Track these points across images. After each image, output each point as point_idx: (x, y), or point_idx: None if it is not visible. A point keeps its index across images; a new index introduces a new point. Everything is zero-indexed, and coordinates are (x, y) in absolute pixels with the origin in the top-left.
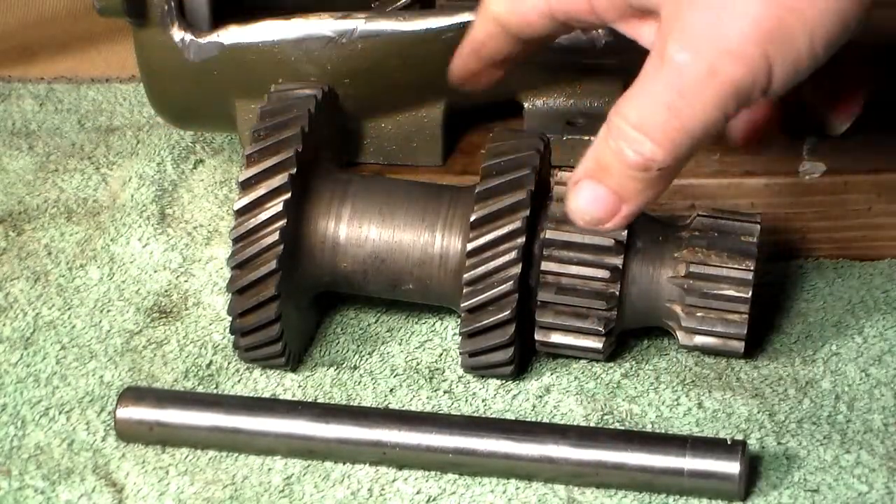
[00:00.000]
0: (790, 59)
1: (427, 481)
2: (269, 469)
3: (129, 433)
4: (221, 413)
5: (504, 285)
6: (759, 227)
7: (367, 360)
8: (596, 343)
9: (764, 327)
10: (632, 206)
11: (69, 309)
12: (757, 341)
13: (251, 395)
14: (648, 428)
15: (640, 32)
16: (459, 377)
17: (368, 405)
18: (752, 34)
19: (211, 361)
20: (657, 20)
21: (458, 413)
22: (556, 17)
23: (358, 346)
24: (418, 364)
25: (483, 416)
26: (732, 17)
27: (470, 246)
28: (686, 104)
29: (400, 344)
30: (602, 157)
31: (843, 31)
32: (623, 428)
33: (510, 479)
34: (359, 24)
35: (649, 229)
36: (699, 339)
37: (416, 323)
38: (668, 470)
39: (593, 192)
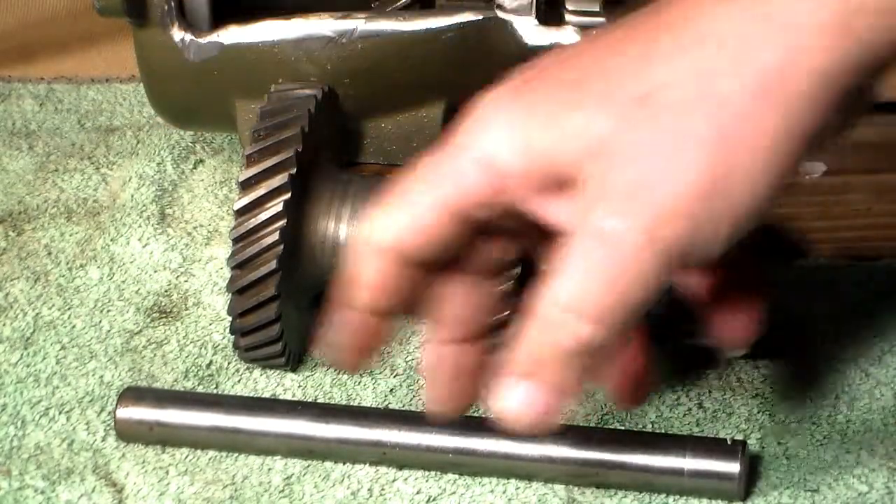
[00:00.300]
0: (733, 214)
1: (427, 481)
2: (269, 469)
3: (129, 433)
4: (221, 413)
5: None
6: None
7: None
8: None
9: (764, 327)
10: (571, 395)
11: (69, 309)
12: (757, 341)
13: (251, 395)
14: (648, 428)
15: (554, 210)
16: None
17: (368, 405)
18: (691, 190)
19: (211, 361)
20: (574, 191)
21: None
22: (456, 209)
23: None
24: (418, 364)
25: (483, 416)
26: (672, 173)
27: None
28: (622, 276)
29: (400, 344)
30: (533, 352)
31: (779, 186)
32: (623, 428)
33: (510, 479)
34: (359, 24)
35: None
36: (699, 340)
37: (416, 323)
38: (668, 470)
39: (528, 394)
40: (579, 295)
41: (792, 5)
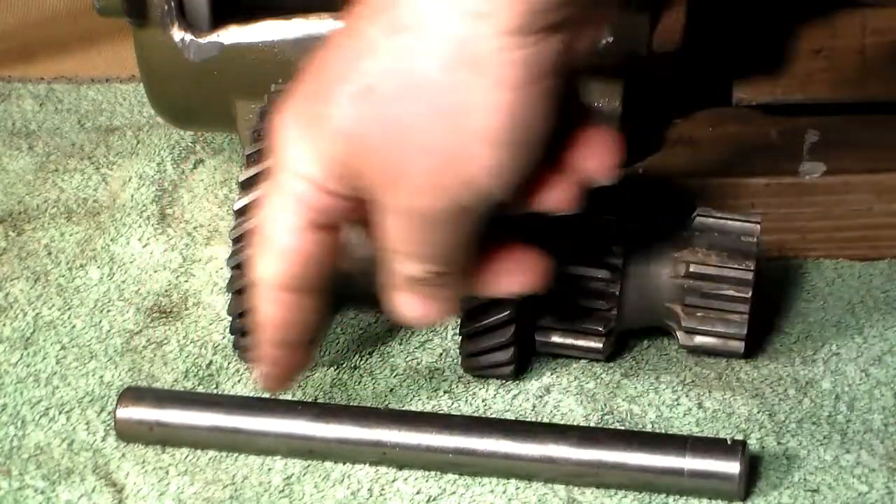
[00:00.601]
0: (486, 172)
1: (427, 481)
2: (269, 469)
3: (129, 433)
4: (221, 413)
5: None
6: (759, 227)
7: (367, 360)
8: (596, 343)
9: (764, 327)
10: (448, 302)
11: (69, 309)
12: (757, 341)
13: (251, 395)
14: (648, 428)
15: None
16: (459, 377)
17: (368, 405)
18: (436, 164)
19: (211, 361)
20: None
21: (458, 413)
22: (315, 224)
23: (358, 346)
24: (418, 364)
25: (483, 416)
26: (412, 154)
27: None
28: (424, 234)
29: (400, 344)
30: (394, 275)
31: (525, 123)
32: (623, 428)
33: (510, 479)
34: None
35: (650, 229)
36: (699, 339)
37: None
38: (668, 470)
39: (401, 299)
40: (399, 245)
41: None
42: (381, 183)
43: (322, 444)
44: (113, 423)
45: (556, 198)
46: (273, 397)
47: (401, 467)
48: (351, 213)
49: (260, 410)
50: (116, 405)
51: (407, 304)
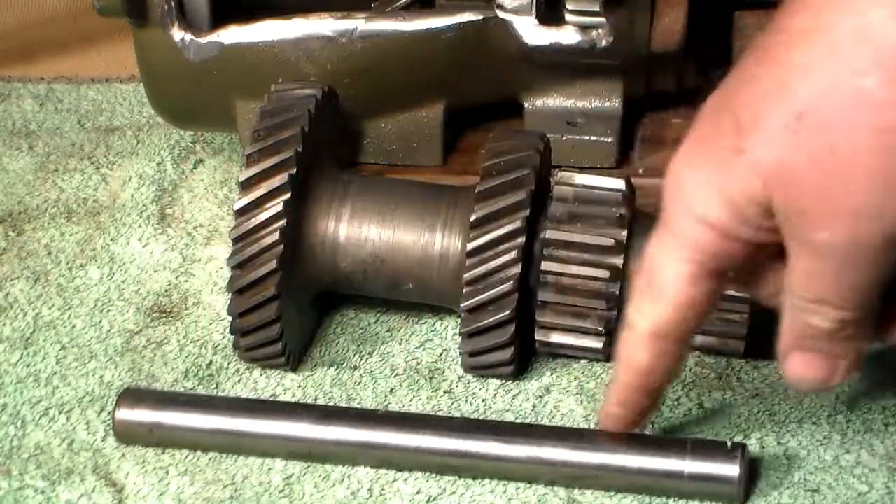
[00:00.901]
0: None
1: (427, 481)
2: (269, 469)
3: (127, 435)
4: (220, 415)
5: (504, 285)
6: None
7: (367, 360)
8: (596, 343)
9: (764, 327)
10: (849, 358)
11: (69, 309)
12: (757, 341)
13: (251, 395)
14: (649, 428)
15: (773, 231)
16: (459, 377)
17: (368, 405)
18: (870, 195)
19: (211, 361)
20: (778, 216)
21: (459, 413)
22: (704, 272)
23: (358, 346)
24: (418, 364)
25: (483, 416)
26: (853, 179)
27: (470, 246)
28: (852, 273)
29: (400, 344)
30: (798, 330)
31: None
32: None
33: (510, 481)
34: (359, 24)
35: (649, 229)
36: (699, 339)
37: (416, 323)
38: (669, 473)
39: (805, 360)
40: (820, 291)
41: None
42: (807, 217)
43: (321, 446)
44: (112, 426)
45: None
46: (273, 397)
47: (400, 469)
48: (746, 260)
49: (259, 412)
50: (115, 407)
51: (809, 364)
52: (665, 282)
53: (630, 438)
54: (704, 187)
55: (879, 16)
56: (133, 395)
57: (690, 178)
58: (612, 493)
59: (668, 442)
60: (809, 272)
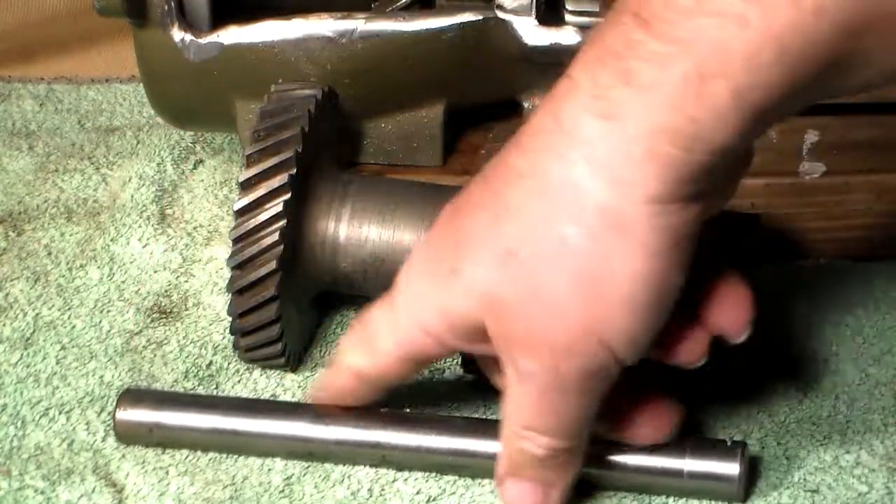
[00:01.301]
0: (623, 339)
1: (427, 481)
2: (270, 469)
3: (128, 435)
4: (221, 415)
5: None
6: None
7: None
8: None
9: (764, 327)
10: (560, 486)
11: (69, 309)
12: (756, 341)
13: (251, 395)
14: None
15: (487, 348)
16: (459, 377)
17: (368, 406)
18: (575, 333)
19: (211, 362)
20: (489, 337)
21: (459, 413)
22: (411, 359)
23: None
24: None
25: (482, 416)
26: (553, 317)
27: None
28: (556, 401)
29: None
30: (512, 457)
31: (661, 293)
32: None
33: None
34: (359, 24)
35: None
36: None
37: None
38: (668, 471)
39: (518, 488)
40: (529, 419)
41: (605, 145)
42: (514, 345)
43: (321, 446)
44: (112, 426)
45: (687, 350)
46: (273, 397)
47: (400, 469)
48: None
49: (259, 412)
50: (115, 407)
51: (522, 493)
52: (377, 347)
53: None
54: (425, 296)
55: (584, 172)
56: (133, 396)
57: (417, 282)
58: (612, 492)
59: (668, 440)
60: (518, 398)
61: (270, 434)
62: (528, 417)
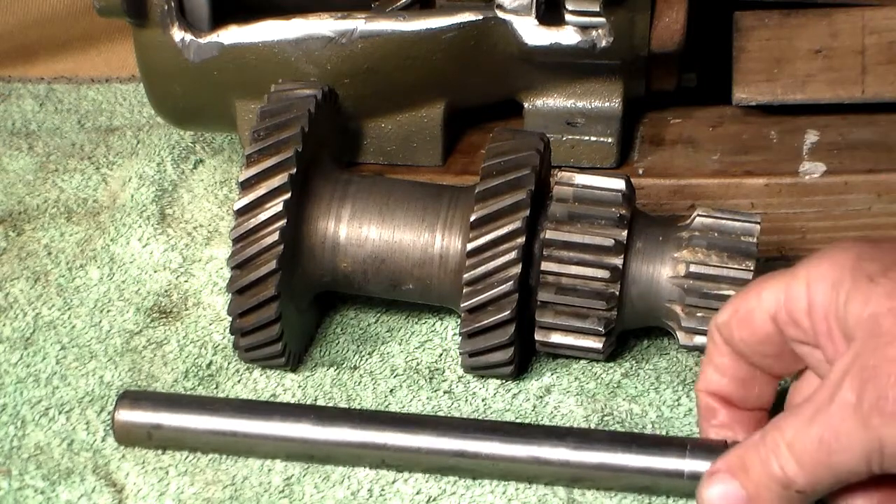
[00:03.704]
0: None
1: (427, 482)
2: (269, 470)
3: (127, 437)
4: (220, 417)
5: (504, 285)
6: (759, 227)
7: (367, 360)
8: (596, 343)
9: None
10: None
11: (69, 309)
12: None
13: (251, 395)
14: (649, 428)
15: (816, 355)
16: (459, 377)
17: (368, 405)
18: None
19: (211, 362)
20: (842, 349)
21: (459, 413)
22: (778, 321)
23: (358, 346)
24: (418, 364)
25: (483, 416)
26: None
27: (470, 246)
28: (839, 447)
29: (400, 344)
30: (747, 459)
31: None
32: (623, 429)
33: (510, 481)
34: (359, 24)
35: (649, 229)
36: (699, 339)
37: (416, 323)
38: (668, 472)
39: (726, 488)
40: (801, 441)
41: None
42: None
43: (322, 447)
44: (111, 428)
45: None
46: (273, 397)
47: (401, 470)
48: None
49: (259, 414)
50: (115, 409)
51: (726, 491)
52: (750, 304)
53: (630, 438)
54: (831, 283)
55: None
56: (132, 397)
57: (830, 271)
58: (613, 494)
59: (668, 441)
60: (810, 419)
61: (271, 435)
62: (803, 440)
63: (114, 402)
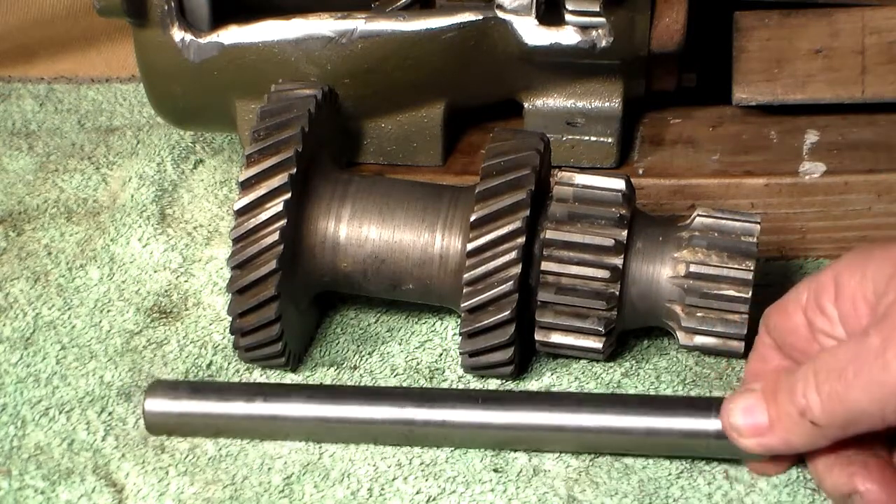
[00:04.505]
0: None
1: (427, 481)
2: (269, 469)
3: (158, 425)
4: (246, 402)
5: (504, 285)
6: (759, 226)
7: (367, 360)
8: (596, 343)
9: None
10: (773, 439)
11: (69, 309)
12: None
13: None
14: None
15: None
16: (459, 377)
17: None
18: None
19: (211, 362)
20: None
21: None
22: (807, 313)
23: (358, 346)
24: (418, 364)
25: (499, 388)
26: None
27: (470, 246)
28: (857, 383)
29: (400, 344)
30: (779, 383)
31: None
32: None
33: (533, 451)
34: (359, 24)
35: (649, 229)
36: (699, 339)
37: (416, 323)
38: (694, 433)
39: (752, 403)
40: (824, 373)
41: None
42: None
43: (346, 425)
44: (142, 417)
45: None
46: (298, 383)
47: (423, 446)
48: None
49: (291, 397)
50: (143, 398)
51: (750, 405)
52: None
53: (654, 400)
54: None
55: None
56: (161, 386)
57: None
58: (613, 491)
59: (695, 401)
60: (838, 356)
61: (301, 417)
62: (826, 373)
63: (114, 402)
